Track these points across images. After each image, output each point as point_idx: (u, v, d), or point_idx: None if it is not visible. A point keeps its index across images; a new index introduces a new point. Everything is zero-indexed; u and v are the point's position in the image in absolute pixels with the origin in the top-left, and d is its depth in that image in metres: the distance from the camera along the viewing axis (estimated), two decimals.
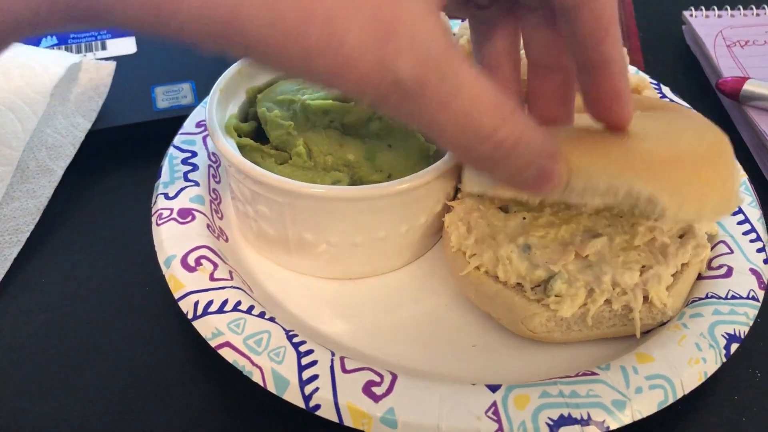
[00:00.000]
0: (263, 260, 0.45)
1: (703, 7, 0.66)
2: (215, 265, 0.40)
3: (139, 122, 0.52)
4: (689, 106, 0.53)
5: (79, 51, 0.58)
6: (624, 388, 0.36)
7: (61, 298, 0.44)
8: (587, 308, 0.38)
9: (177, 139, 0.48)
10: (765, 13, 0.65)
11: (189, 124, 0.49)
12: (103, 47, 0.58)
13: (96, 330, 0.42)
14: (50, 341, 0.42)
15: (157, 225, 0.43)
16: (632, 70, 0.54)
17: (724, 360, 0.38)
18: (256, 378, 0.36)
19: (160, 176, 0.46)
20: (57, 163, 0.49)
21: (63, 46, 0.58)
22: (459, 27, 0.54)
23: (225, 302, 0.38)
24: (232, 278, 0.40)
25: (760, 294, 0.41)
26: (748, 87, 0.55)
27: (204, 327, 0.38)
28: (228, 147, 0.41)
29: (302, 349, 0.37)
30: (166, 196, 0.44)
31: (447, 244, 0.43)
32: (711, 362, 0.37)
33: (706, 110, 0.54)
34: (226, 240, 0.45)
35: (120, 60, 0.56)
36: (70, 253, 0.46)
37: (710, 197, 0.34)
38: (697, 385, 0.37)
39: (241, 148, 0.43)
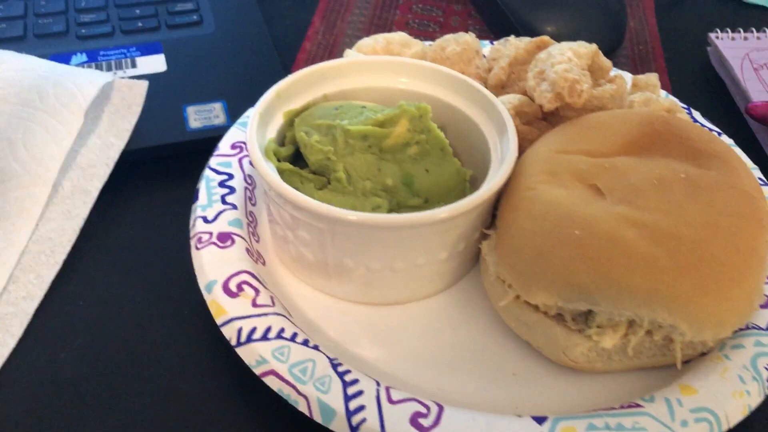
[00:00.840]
0: (300, 284, 0.45)
1: (728, 29, 0.66)
2: (257, 291, 0.40)
3: (173, 143, 0.52)
4: (720, 131, 0.53)
5: (109, 69, 0.58)
6: (669, 421, 0.36)
7: (99, 321, 0.44)
8: (628, 339, 0.38)
9: (213, 161, 0.48)
10: None
11: (224, 146, 0.49)
12: (133, 65, 0.58)
13: (135, 354, 0.42)
14: (89, 365, 0.42)
15: (197, 249, 0.43)
16: (663, 93, 0.55)
17: None
18: (302, 407, 0.36)
19: (197, 199, 0.46)
20: (92, 183, 0.49)
21: (93, 64, 0.58)
22: (490, 50, 0.54)
23: (269, 329, 0.39)
24: (273, 304, 0.40)
25: None
26: None
27: (248, 354, 0.38)
28: (269, 172, 0.41)
29: (347, 378, 0.37)
30: (205, 220, 0.44)
31: (485, 272, 0.43)
32: (755, 395, 0.37)
33: (733, 133, 0.54)
34: (264, 263, 0.45)
35: (151, 78, 0.56)
36: (107, 275, 0.46)
37: (730, 319, 0.37)
38: (741, 419, 0.37)
39: (281, 173, 0.43)
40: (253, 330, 0.38)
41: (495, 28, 0.68)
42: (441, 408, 0.36)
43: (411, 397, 0.36)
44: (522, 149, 0.45)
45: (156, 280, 0.46)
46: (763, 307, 0.41)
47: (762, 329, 0.40)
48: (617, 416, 0.36)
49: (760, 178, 0.49)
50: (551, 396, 0.40)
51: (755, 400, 0.37)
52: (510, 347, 0.42)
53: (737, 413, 0.36)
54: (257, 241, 0.46)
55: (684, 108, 0.54)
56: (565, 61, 0.45)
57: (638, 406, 0.36)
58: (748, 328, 0.40)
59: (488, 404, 0.39)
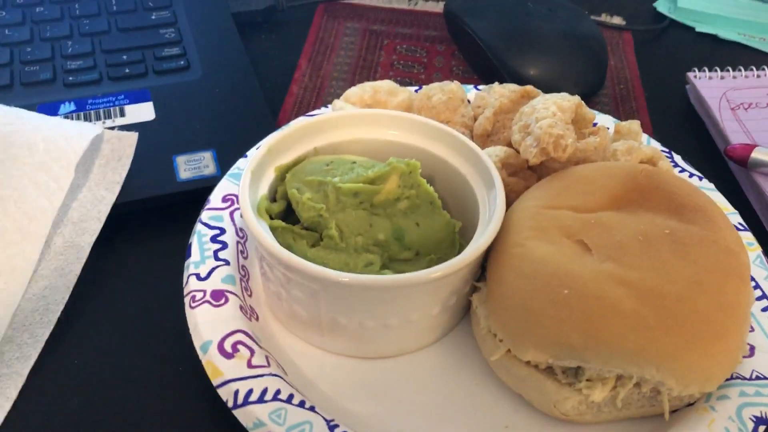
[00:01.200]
0: (293, 338, 0.45)
1: (706, 68, 0.68)
2: (252, 351, 0.41)
3: (164, 194, 0.53)
4: (701, 176, 0.54)
5: (97, 117, 0.58)
6: None
7: (95, 380, 0.44)
8: (617, 392, 0.39)
9: (204, 215, 0.49)
10: (765, 75, 0.68)
11: (215, 199, 0.50)
12: (122, 113, 0.59)
13: (132, 415, 0.42)
14: (86, 427, 0.42)
15: (191, 308, 0.43)
16: (645, 138, 0.56)
17: None
18: None
19: (189, 255, 0.46)
20: (84, 238, 0.49)
21: (81, 113, 0.58)
22: (474, 96, 0.55)
23: (265, 391, 0.39)
24: (269, 364, 0.41)
25: None
26: (756, 155, 0.57)
27: (245, 417, 0.38)
28: (263, 234, 0.41)
29: None
30: (198, 277, 0.45)
31: (476, 325, 0.44)
32: None
33: (713, 175, 0.56)
34: (257, 319, 0.46)
35: (140, 127, 0.57)
36: (102, 333, 0.46)
37: (716, 374, 0.38)
38: None
39: (273, 230, 0.43)
40: (250, 392, 0.39)
41: (478, 69, 0.69)
42: None
43: None
44: (509, 200, 0.45)
45: (151, 336, 0.46)
46: (746, 357, 0.42)
47: (746, 379, 0.41)
48: None
49: (740, 223, 0.51)
50: None
51: None
52: (502, 399, 0.43)
53: None
54: (250, 296, 0.46)
55: (665, 152, 0.56)
56: (550, 115, 0.46)
57: None
58: (732, 378, 0.41)
59: None
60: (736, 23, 0.78)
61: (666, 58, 0.74)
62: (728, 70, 0.68)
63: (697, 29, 0.78)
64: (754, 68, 0.68)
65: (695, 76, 0.67)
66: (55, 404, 0.43)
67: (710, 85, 0.66)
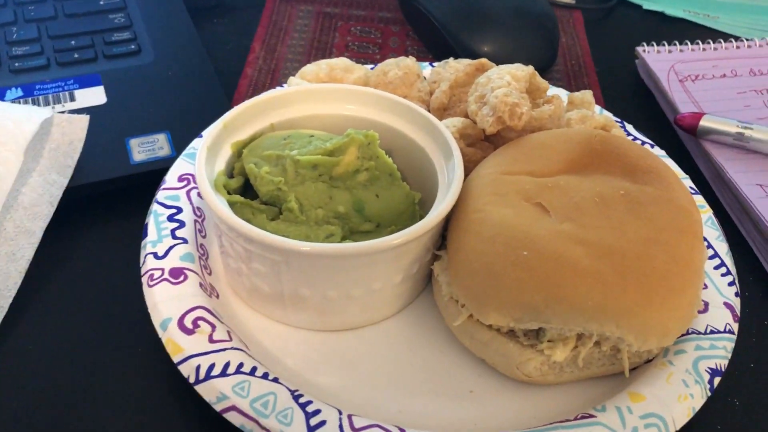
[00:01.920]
0: (256, 315, 0.45)
1: (654, 43, 0.69)
2: (213, 326, 0.40)
3: (117, 177, 0.52)
4: (652, 143, 0.55)
5: (46, 103, 0.57)
6: (621, 429, 0.37)
7: (51, 365, 0.43)
8: (578, 351, 0.40)
9: (160, 195, 0.48)
10: (711, 48, 0.69)
11: (171, 178, 0.49)
12: (72, 98, 0.57)
13: (92, 397, 0.41)
14: (45, 410, 0.41)
15: (149, 286, 0.42)
16: (597, 109, 0.57)
17: (710, 394, 0.40)
18: None
19: (146, 235, 0.45)
20: (36, 223, 0.48)
21: (29, 99, 0.57)
22: (431, 72, 0.56)
23: (227, 365, 0.39)
24: (231, 339, 0.40)
25: (735, 327, 0.43)
26: (705, 123, 0.58)
27: (208, 391, 0.38)
28: (221, 207, 0.41)
29: (309, 409, 0.37)
30: (156, 256, 0.44)
31: (438, 292, 0.44)
32: (698, 397, 0.39)
33: (664, 143, 0.57)
34: (218, 296, 0.45)
35: (91, 111, 0.55)
36: (57, 317, 0.45)
37: (673, 329, 0.39)
38: (686, 421, 0.39)
39: (232, 205, 0.43)
40: (212, 366, 0.38)
41: (433, 49, 0.69)
42: None
43: (373, 423, 0.37)
44: (467, 170, 0.46)
45: (108, 319, 0.45)
46: (701, 312, 0.44)
47: (701, 333, 0.42)
48: (572, 428, 0.37)
49: (691, 187, 0.52)
50: (508, 410, 0.41)
51: (698, 403, 0.39)
52: (466, 365, 0.43)
53: (683, 416, 0.38)
54: (209, 274, 0.46)
55: (618, 122, 0.57)
56: (504, 85, 0.46)
57: (591, 416, 0.38)
58: (688, 333, 0.42)
59: (448, 423, 0.40)
60: (682, 0, 0.80)
61: (615, 35, 0.76)
62: (675, 45, 0.69)
63: (645, 7, 0.80)
64: (700, 42, 0.70)
65: (644, 51, 0.69)
66: (11, 390, 0.41)
67: (659, 59, 0.67)
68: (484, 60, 0.53)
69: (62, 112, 0.55)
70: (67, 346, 0.44)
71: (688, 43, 0.69)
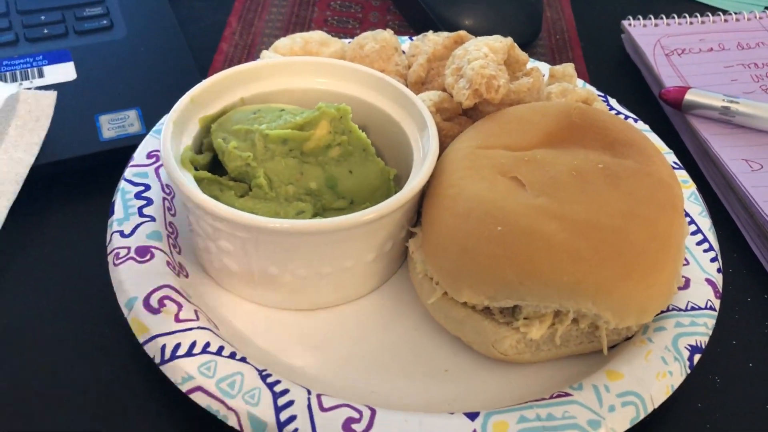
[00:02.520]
0: (227, 294, 0.44)
1: (640, 17, 0.68)
2: (180, 306, 0.39)
3: (85, 154, 0.50)
4: (636, 118, 0.54)
5: (14, 79, 0.55)
6: (598, 407, 0.36)
7: (16, 343, 0.42)
8: (555, 329, 0.39)
9: (128, 172, 0.46)
10: (698, 22, 0.68)
11: (139, 155, 0.48)
12: (41, 74, 0.56)
13: (55, 375, 0.40)
14: (5, 388, 0.40)
15: (115, 265, 0.41)
16: (579, 83, 0.56)
17: (689, 371, 0.39)
18: (232, 422, 0.35)
19: (113, 213, 0.44)
20: (0, 202, 0.47)
21: None
22: (409, 46, 0.54)
23: (193, 344, 0.37)
24: (198, 318, 0.39)
25: (717, 303, 0.42)
26: (690, 96, 0.57)
27: (173, 372, 0.37)
28: (186, 183, 0.40)
29: (277, 389, 0.36)
30: (122, 234, 0.43)
31: (413, 270, 0.43)
32: (677, 375, 0.38)
33: (649, 118, 0.56)
34: (187, 276, 0.44)
35: (60, 87, 0.54)
36: (22, 296, 0.44)
37: (652, 305, 0.38)
38: (665, 398, 0.38)
39: (199, 182, 0.42)
40: (177, 346, 0.37)
41: (414, 23, 0.68)
42: (373, 412, 0.36)
43: (343, 403, 0.36)
44: (444, 145, 0.45)
45: (74, 299, 0.44)
46: (682, 289, 0.42)
47: (681, 310, 0.41)
48: (548, 407, 0.36)
49: (675, 162, 0.51)
50: (484, 390, 0.40)
51: (677, 380, 0.38)
52: (441, 343, 0.42)
53: (661, 394, 0.38)
54: (179, 253, 0.45)
55: (601, 96, 0.56)
56: (481, 56, 0.45)
57: (567, 395, 0.37)
58: (668, 309, 0.41)
59: (422, 402, 0.39)
60: None
61: (601, 10, 0.74)
62: (662, 18, 0.68)
63: None
64: (687, 15, 0.68)
65: (630, 24, 0.67)
66: None
67: (645, 33, 0.66)
68: (462, 32, 0.51)
69: (29, 89, 0.53)
70: (33, 325, 0.43)
71: (675, 16, 0.68)
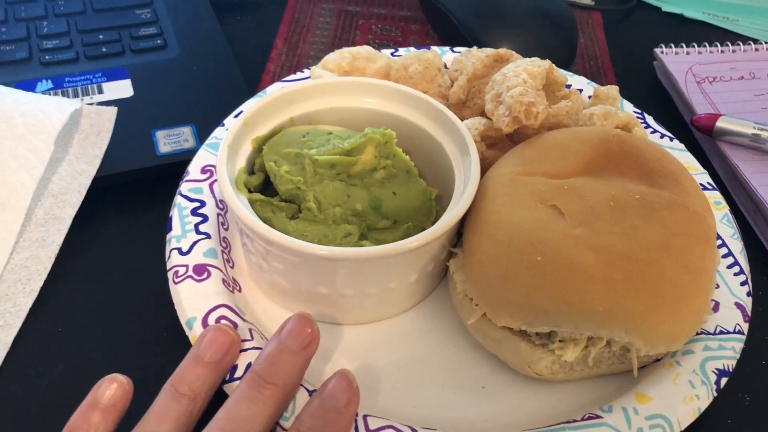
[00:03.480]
0: (276, 307, 0.46)
1: (672, 45, 0.70)
2: (236, 326, 0.42)
3: (143, 167, 0.53)
4: (673, 137, 0.56)
5: (75, 95, 0.58)
6: (627, 429, 0.38)
7: (79, 347, 0.45)
8: (588, 351, 0.41)
9: (184, 187, 0.49)
10: (729, 51, 0.70)
11: (194, 170, 0.50)
12: (100, 91, 0.59)
13: None
14: (71, 392, 0.42)
15: (175, 283, 0.43)
16: (622, 102, 0.57)
17: (716, 395, 0.41)
18: None
19: (170, 229, 0.46)
20: (65, 210, 0.50)
21: (59, 91, 0.58)
22: (453, 60, 0.56)
23: (248, 366, 0.40)
24: (252, 338, 0.41)
25: (745, 327, 0.44)
26: (721, 124, 0.59)
27: (231, 390, 0.39)
28: (242, 208, 0.42)
29: None
30: (180, 252, 0.45)
31: (453, 289, 0.45)
32: (704, 398, 0.40)
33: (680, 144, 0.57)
34: (240, 290, 0.46)
35: (118, 103, 0.57)
36: (84, 301, 0.47)
37: (681, 335, 0.40)
38: (691, 421, 0.39)
39: (252, 203, 0.44)
40: (235, 368, 0.40)
41: (452, 46, 0.70)
42: None
43: (387, 425, 0.38)
44: (485, 169, 0.46)
45: (133, 304, 0.47)
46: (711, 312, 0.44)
47: (710, 333, 0.43)
48: (579, 428, 0.39)
49: (708, 183, 0.52)
50: (518, 407, 0.42)
51: (704, 403, 0.40)
52: (478, 361, 0.44)
53: (688, 417, 0.39)
54: (231, 267, 0.47)
55: (637, 113, 0.57)
56: (520, 83, 0.47)
57: (598, 417, 0.39)
58: (697, 333, 0.43)
59: (460, 418, 0.41)
60: (702, 3, 0.81)
61: (634, 37, 0.76)
62: (693, 47, 0.69)
63: (664, 9, 0.80)
64: (719, 44, 0.70)
65: (662, 52, 0.69)
66: (39, 371, 0.43)
67: (677, 60, 0.68)
68: (502, 50, 0.52)
69: (91, 104, 0.56)
70: (95, 329, 0.46)
71: (707, 45, 0.70)
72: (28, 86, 0.58)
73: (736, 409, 0.44)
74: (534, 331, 0.41)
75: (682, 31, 0.77)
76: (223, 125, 0.53)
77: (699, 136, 0.63)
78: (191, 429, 0.37)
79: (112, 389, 0.37)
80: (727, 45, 0.70)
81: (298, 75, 0.58)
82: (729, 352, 0.42)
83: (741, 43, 0.70)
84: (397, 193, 0.46)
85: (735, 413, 0.44)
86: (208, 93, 0.60)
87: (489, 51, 0.53)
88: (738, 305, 0.45)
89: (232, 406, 0.36)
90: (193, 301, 0.42)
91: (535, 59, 0.50)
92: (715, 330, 0.43)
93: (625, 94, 0.67)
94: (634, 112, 0.57)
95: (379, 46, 0.71)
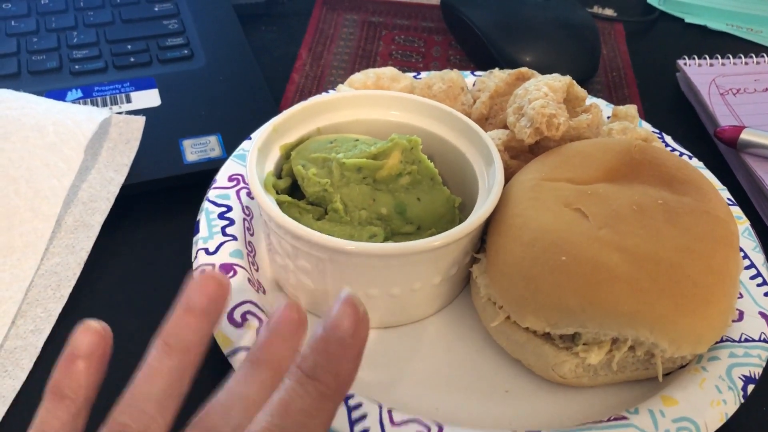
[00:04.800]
0: None
1: (695, 56, 0.70)
2: (261, 321, 0.42)
3: (171, 176, 0.54)
4: (690, 155, 0.56)
5: (104, 104, 0.60)
6: (654, 431, 0.38)
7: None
8: (613, 355, 0.41)
9: (211, 194, 0.50)
10: (753, 62, 0.70)
11: (221, 178, 0.51)
12: (128, 100, 0.60)
13: None
14: (100, 398, 0.43)
15: None
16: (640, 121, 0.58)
17: (742, 401, 0.40)
18: None
19: (198, 231, 0.47)
20: (94, 217, 0.51)
21: (88, 100, 0.60)
22: (475, 81, 0.57)
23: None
24: None
25: None
26: (745, 136, 0.58)
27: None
28: (271, 205, 0.43)
29: (351, 402, 0.39)
30: (207, 252, 0.46)
31: (476, 294, 0.45)
32: (731, 403, 0.40)
33: (703, 156, 0.57)
34: (264, 292, 0.47)
35: (146, 112, 0.58)
36: (113, 307, 0.48)
37: (707, 336, 0.40)
38: (719, 426, 0.39)
39: (280, 205, 0.45)
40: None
41: (475, 58, 0.71)
42: (441, 428, 0.38)
43: (412, 418, 0.38)
44: (508, 179, 0.47)
45: (161, 309, 0.47)
46: (736, 321, 0.44)
47: (735, 341, 0.43)
48: (605, 429, 0.38)
49: (729, 199, 0.53)
50: (543, 412, 0.42)
51: (731, 409, 0.40)
52: (502, 365, 0.44)
53: (715, 421, 0.39)
54: (257, 270, 0.48)
55: (656, 133, 0.58)
56: (542, 96, 0.48)
57: (624, 418, 0.39)
58: (722, 340, 0.43)
59: (484, 421, 0.41)
60: (725, 14, 0.81)
61: (656, 48, 0.76)
62: (717, 58, 0.70)
63: (687, 20, 0.80)
64: (742, 56, 0.70)
65: (685, 64, 0.69)
66: None
67: (700, 72, 0.68)
68: (524, 69, 0.54)
69: (119, 113, 0.58)
70: (123, 335, 0.46)
71: (730, 56, 0.70)
72: (59, 95, 0.60)
73: (761, 423, 0.44)
74: (558, 334, 0.41)
75: (706, 43, 0.77)
76: (250, 138, 0.54)
77: (723, 148, 0.63)
78: (187, 384, 0.35)
79: (88, 336, 0.35)
80: (751, 57, 0.70)
81: (323, 95, 0.59)
82: (755, 360, 0.42)
83: (765, 55, 0.70)
84: (421, 199, 0.47)
85: (759, 427, 0.43)
86: (234, 102, 0.61)
87: (511, 71, 0.54)
88: (762, 314, 0.45)
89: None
90: None
91: (556, 75, 0.51)
92: (740, 338, 0.43)
93: (648, 105, 0.68)
94: (653, 131, 0.58)
95: (402, 56, 0.72)
